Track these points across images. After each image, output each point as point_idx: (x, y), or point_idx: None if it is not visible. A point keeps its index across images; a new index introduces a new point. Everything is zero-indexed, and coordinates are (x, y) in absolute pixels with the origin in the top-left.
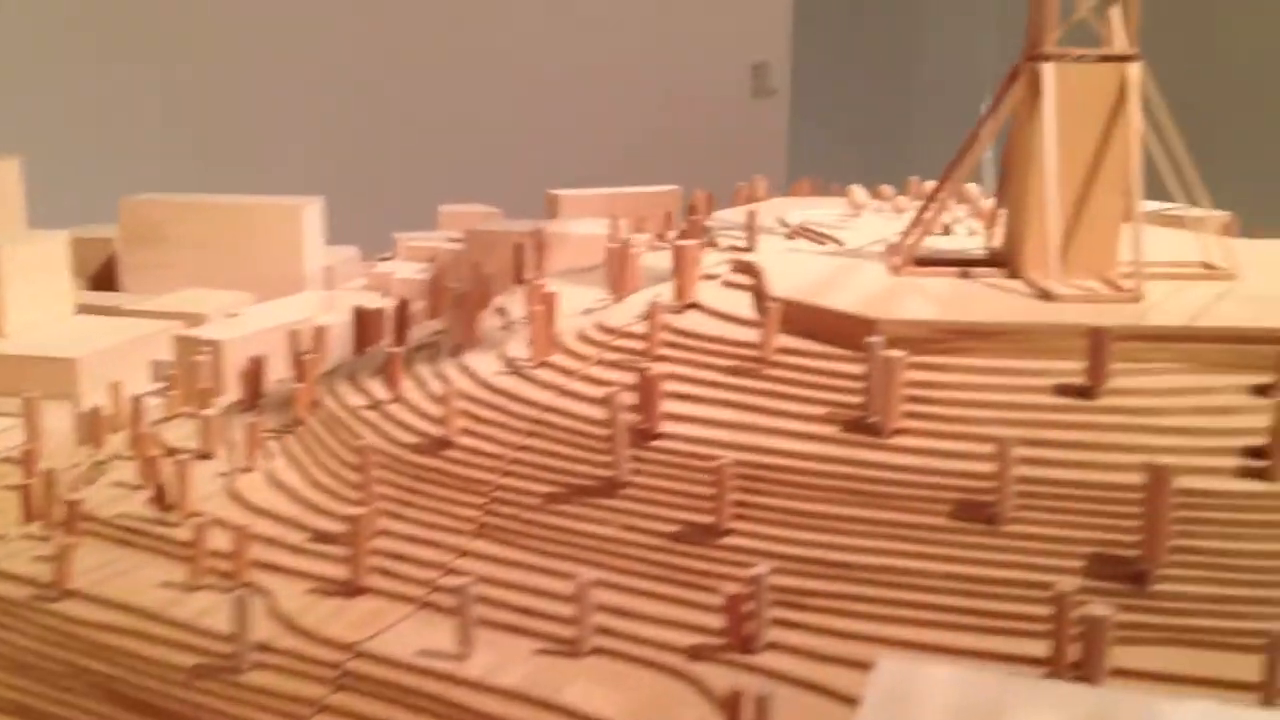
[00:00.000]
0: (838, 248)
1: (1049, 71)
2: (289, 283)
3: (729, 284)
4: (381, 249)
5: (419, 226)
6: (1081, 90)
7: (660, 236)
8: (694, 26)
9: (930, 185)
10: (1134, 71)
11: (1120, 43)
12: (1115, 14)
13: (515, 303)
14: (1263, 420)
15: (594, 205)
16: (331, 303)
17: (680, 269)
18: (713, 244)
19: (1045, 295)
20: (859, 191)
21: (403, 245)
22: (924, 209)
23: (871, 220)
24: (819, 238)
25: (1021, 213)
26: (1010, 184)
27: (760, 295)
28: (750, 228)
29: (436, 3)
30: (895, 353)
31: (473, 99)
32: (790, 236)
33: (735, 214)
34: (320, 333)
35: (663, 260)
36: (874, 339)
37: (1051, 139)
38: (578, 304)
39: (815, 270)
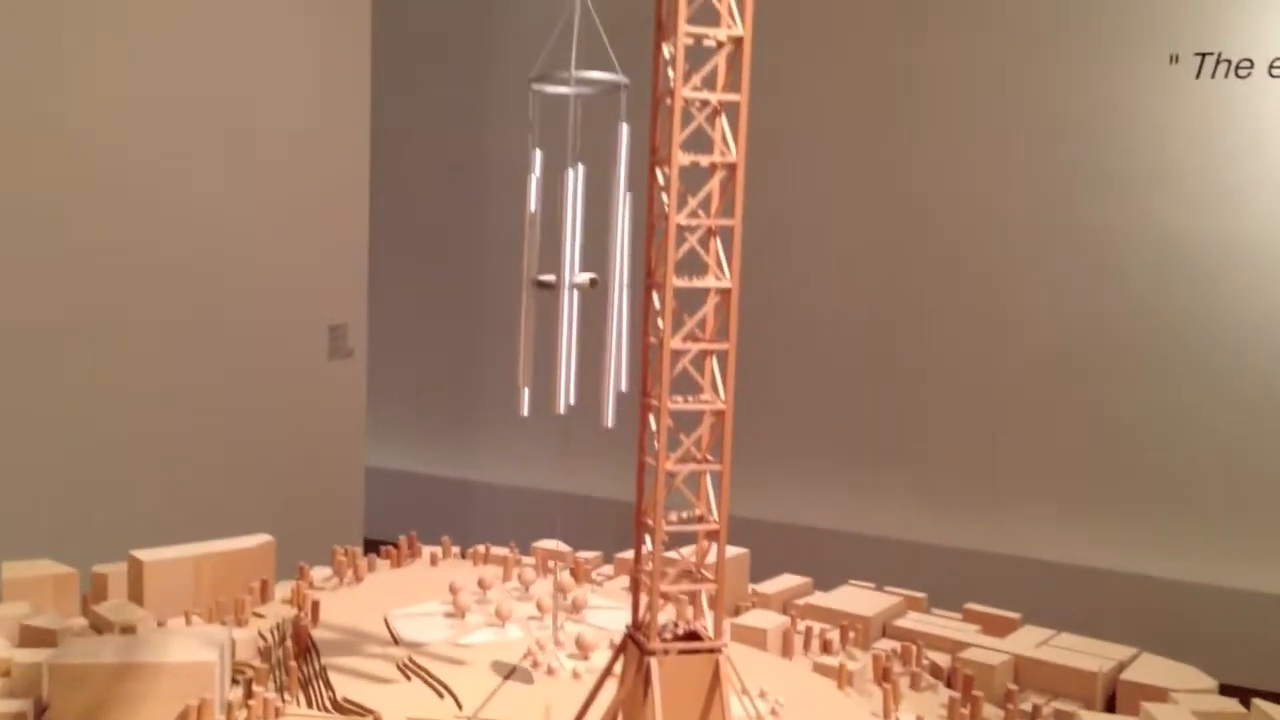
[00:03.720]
0: None
1: (655, 666)
2: None
3: None
4: None
5: None
6: (682, 677)
7: (262, 653)
8: (269, 291)
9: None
10: (723, 661)
11: (712, 631)
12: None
13: None
14: None
15: (181, 570)
16: None
17: None
18: (327, 686)
19: None
20: (462, 590)
21: None
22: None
23: (476, 630)
24: (438, 688)
25: None
26: None
27: None
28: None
29: None
30: None
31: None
32: (404, 672)
33: (345, 601)
34: None
35: None
36: None
37: None
38: None
39: None
